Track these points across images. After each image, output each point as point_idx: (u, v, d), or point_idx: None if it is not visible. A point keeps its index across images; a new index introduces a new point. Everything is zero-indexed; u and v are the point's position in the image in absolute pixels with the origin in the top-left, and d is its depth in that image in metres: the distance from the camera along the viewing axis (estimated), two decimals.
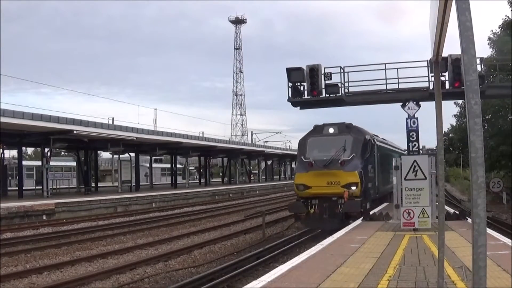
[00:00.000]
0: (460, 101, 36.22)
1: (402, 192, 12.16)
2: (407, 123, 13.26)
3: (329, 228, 15.22)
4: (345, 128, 17.55)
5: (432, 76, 16.81)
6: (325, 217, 16.29)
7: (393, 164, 24.99)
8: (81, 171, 39.27)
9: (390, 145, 26.09)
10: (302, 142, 18.09)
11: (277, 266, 7.87)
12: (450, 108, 43.16)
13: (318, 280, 6.58)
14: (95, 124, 30.79)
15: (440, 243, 4.89)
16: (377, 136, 21.64)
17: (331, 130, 17.57)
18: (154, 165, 54.09)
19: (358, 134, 17.48)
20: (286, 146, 78.57)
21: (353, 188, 16.14)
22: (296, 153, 22.69)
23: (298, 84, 18.54)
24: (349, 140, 17.06)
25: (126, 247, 15.10)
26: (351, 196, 15.97)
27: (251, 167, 74.32)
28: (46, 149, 30.89)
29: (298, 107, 19.46)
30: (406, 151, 31.50)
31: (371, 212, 16.86)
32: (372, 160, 18.22)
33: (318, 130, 17.95)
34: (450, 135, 50.48)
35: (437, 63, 4.58)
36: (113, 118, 38.52)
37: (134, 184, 40.42)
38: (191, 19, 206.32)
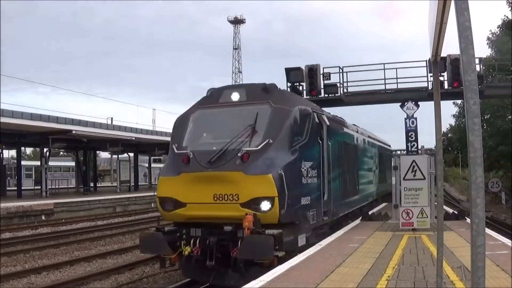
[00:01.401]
0: (459, 101, 36.33)
1: (401, 192, 12.19)
2: (406, 123, 13.22)
3: (222, 284, 8.93)
4: (260, 93, 9.93)
5: (431, 76, 16.86)
6: (211, 265, 8.59)
7: (372, 161, 19.39)
8: (80, 171, 39.25)
9: (362, 134, 17.77)
10: (181, 120, 10.45)
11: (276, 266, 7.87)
12: (449, 108, 43.33)
13: (317, 280, 6.59)
14: (94, 124, 30.78)
15: (439, 243, 4.89)
16: (341, 118, 14.83)
17: (234, 97, 10.06)
18: (153, 165, 54.07)
19: (284, 104, 9.75)
20: None
21: (265, 207, 8.53)
22: None
23: (297, 84, 18.58)
24: (265, 113, 9.44)
25: (125, 247, 15.08)
26: (258, 224, 8.28)
27: None
28: (45, 149, 30.87)
29: None
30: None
31: (370, 212, 16.83)
32: (313, 153, 10.25)
33: (213, 97, 10.44)
34: (449, 135, 50.64)
35: (436, 63, 4.58)
36: (111, 118, 38.60)
37: (133, 184, 40.39)
38: (190, 19, 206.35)
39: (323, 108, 15.29)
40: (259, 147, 8.90)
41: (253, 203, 8.56)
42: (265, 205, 8.55)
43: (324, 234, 11.03)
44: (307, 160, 9.78)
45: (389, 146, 29.22)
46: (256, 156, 8.85)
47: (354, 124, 16.96)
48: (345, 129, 14.39)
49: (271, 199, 8.52)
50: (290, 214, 8.84)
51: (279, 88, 10.60)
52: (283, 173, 8.59)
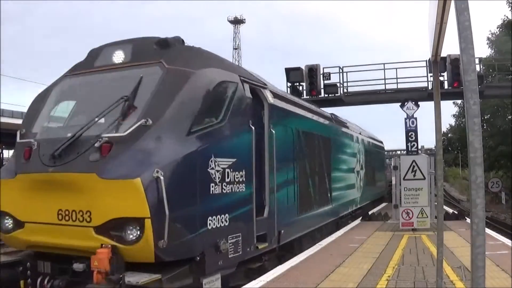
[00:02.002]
0: (459, 101, 36.37)
1: (401, 192, 12.20)
2: (406, 123, 13.24)
3: None
4: (152, 51, 6.60)
5: (431, 76, 16.88)
6: None
7: (355, 160, 15.83)
8: None
9: (340, 124, 14.46)
10: (41, 95, 7.22)
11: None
12: (449, 108, 43.42)
13: (317, 280, 6.59)
14: None
15: (439, 243, 4.89)
16: (308, 102, 12.68)
17: (116, 57, 6.76)
18: None
19: (185, 64, 6.44)
20: None
21: (130, 235, 5.22)
22: None
23: (297, 84, 18.62)
24: (152, 79, 6.17)
25: None
26: (115, 265, 5.08)
27: None
28: None
29: None
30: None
31: (369, 212, 16.84)
32: (238, 145, 6.87)
33: (89, 60, 7.15)
34: (449, 135, 50.66)
35: (436, 63, 4.59)
36: None
37: None
38: (190, 19, 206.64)
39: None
40: (127, 131, 5.44)
41: (113, 228, 5.23)
42: (130, 232, 5.17)
43: (262, 269, 7.48)
44: (224, 155, 6.23)
45: (381, 142, 25.69)
46: (123, 147, 5.43)
47: (332, 114, 13.99)
48: (307, 114, 10.71)
49: (139, 221, 5.11)
50: (179, 246, 5.38)
51: (189, 45, 7.06)
52: (161, 177, 5.09)
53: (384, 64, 19.23)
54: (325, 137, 11.97)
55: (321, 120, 12.16)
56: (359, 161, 16.85)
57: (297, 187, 9.27)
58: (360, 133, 17.73)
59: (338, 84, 18.98)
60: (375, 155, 21.95)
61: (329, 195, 11.89)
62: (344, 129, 14.71)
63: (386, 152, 39.30)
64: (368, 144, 19.46)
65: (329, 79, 18.91)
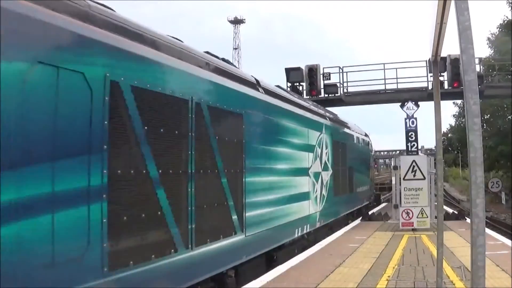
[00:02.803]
0: (459, 101, 36.36)
1: (401, 192, 12.21)
2: (406, 123, 13.25)
3: None
4: None
5: (431, 76, 16.90)
6: None
7: (312, 156, 10.34)
8: None
9: (272, 96, 8.69)
10: None
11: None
12: (449, 108, 43.46)
13: (317, 280, 6.59)
14: None
15: (439, 243, 4.89)
16: (176, 39, 6.13)
17: None
18: None
19: None
20: None
21: None
22: None
23: (297, 84, 18.64)
24: None
25: None
26: None
27: None
28: None
29: None
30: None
31: (370, 212, 16.85)
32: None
33: None
34: (449, 135, 50.69)
35: (436, 63, 4.59)
36: None
37: None
38: (190, 19, 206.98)
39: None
40: None
41: None
42: None
43: None
44: None
45: (366, 135, 20.67)
46: None
47: (278, 86, 9.87)
48: (162, 58, 5.25)
49: None
50: None
51: None
52: None
53: (384, 64, 19.30)
54: (228, 112, 6.74)
55: (214, 77, 6.51)
56: (321, 159, 11.43)
57: (106, 210, 4.11)
58: (326, 117, 12.57)
59: (338, 84, 19.01)
60: (355, 151, 16.65)
61: (236, 216, 6.70)
62: (285, 106, 9.23)
63: (386, 152, 38.98)
64: (341, 135, 14.16)
65: (329, 79, 18.94)
